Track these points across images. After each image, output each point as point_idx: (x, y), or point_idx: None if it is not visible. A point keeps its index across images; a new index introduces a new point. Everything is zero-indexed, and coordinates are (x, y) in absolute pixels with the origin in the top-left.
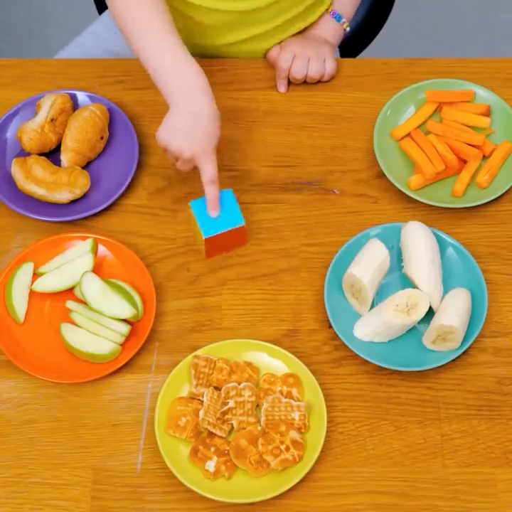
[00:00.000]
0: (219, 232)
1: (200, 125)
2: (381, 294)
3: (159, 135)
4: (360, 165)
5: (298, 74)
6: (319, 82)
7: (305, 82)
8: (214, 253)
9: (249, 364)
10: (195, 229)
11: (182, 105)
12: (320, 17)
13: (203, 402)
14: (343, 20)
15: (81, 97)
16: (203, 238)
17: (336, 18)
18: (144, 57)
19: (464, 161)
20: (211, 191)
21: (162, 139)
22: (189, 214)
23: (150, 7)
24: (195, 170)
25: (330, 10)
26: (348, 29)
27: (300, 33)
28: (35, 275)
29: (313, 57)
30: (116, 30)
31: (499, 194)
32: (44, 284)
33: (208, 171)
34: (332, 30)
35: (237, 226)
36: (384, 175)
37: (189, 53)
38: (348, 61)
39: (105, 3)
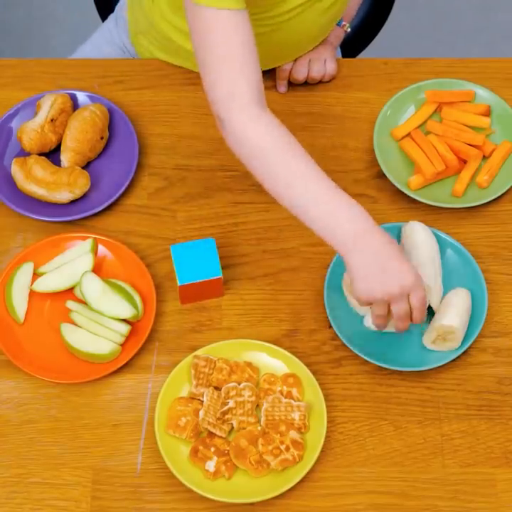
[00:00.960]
0: (194, 281)
1: (390, 258)
2: None
3: (359, 293)
4: (360, 165)
5: (299, 75)
6: (319, 82)
7: (305, 83)
8: (188, 300)
9: (249, 364)
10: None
11: (365, 251)
12: None
13: (203, 402)
14: (344, 22)
15: (81, 97)
16: (178, 285)
17: (337, 23)
18: (306, 210)
19: (464, 161)
20: (419, 318)
21: (363, 294)
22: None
23: (302, 157)
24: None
25: None
26: (348, 30)
27: None
28: (35, 275)
29: (314, 59)
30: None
31: (499, 194)
32: (44, 284)
33: (422, 296)
34: (332, 34)
35: (214, 278)
36: (384, 175)
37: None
38: (348, 61)
39: (107, 8)
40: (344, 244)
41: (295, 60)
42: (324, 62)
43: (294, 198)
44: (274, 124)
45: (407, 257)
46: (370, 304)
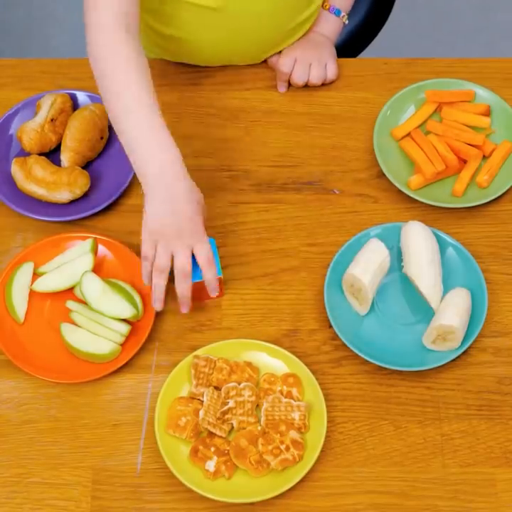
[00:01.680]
0: (195, 281)
1: (182, 210)
2: (381, 293)
3: (143, 241)
4: (360, 165)
5: (299, 81)
6: None
7: (306, 86)
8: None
9: (249, 364)
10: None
11: (157, 193)
12: (318, 14)
13: (203, 402)
14: (343, 13)
15: (81, 97)
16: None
17: (335, 13)
18: (122, 133)
19: (464, 161)
20: (209, 274)
21: (148, 231)
22: None
23: (137, 85)
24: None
25: (328, 6)
26: (346, 22)
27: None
28: (35, 275)
29: (314, 63)
30: None
31: (499, 194)
32: (44, 284)
33: (202, 251)
34: (331, 26)
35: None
36: (384, 175)
37: (170, 137)
38: (348, 61)
39: None
40: (146, 186)
41: (295, 61)
42: (325, 66)
43: (123, 122)
44: (130, 52)
45: (201, 204)
46: (153, 247)
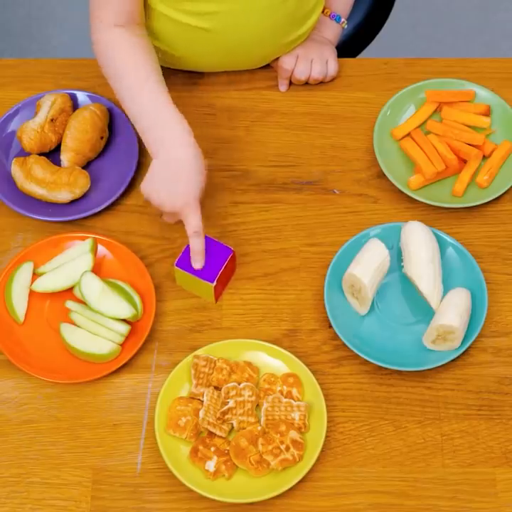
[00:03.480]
0: (221, 270)
1: (181, 177)
2: (381, 293)
3: (142, 188)
4: (360, 165)
5: (301, 76)
6: (320, 82)
7: (306, 83)
8: (219, 294)
9: (249, 364)
10: (191, 286)
11: (161, 157)
12: (318, 20)
13: (203, 402)
14: (343, 20)
15: (81, 97)
16: (212, 285)
17: (336, 19)
18: (129, 109)
19: (464, 161)
20: (196, 243)
21: (144, 192)
22: (179, 276)
23: (144, 66)
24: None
25: (328, 13)
26: (346, 26)
27: None
28: (35, 275)
29: (316, 59)
30: None
31: (499, 194)
32: (44, 284)
33: (192, 223)
34: (332, 31)
35: (230, 256)
36: (384, 175)
37: (177, 110)
38: (348, 61)
39: None
40: (154, 150)
41: (297, 58)
42: (326, 63)
43: (130, 100)
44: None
45: (203, 173)
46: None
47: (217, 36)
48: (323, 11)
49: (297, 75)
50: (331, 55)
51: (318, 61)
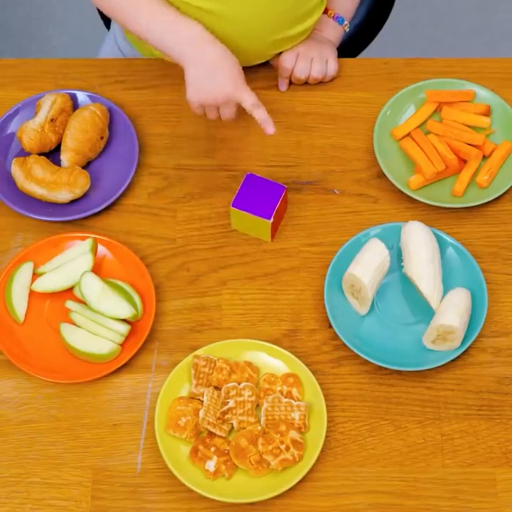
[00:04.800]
0: (276, 206)
1: (221, 68)
2: (381, 293)
3: (190, 98)
4: (360, 165)
5: (301, 74)
6: (320, 82)
7: (306, 82)
8: (274, 232)
9: (249, 364)
10: (246, 226)
11: (193, 57)
12: (321, 20)
13: (203, 402)
14: (345, 22)
15: (81, 97)
16: (269, 222)
17: (338, 21)
18: (145, 28)
19: (464, 161)
20: (260, 113)
21: (194, 99)
22: (235, 218)
23: None
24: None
25: (331, 14)
26: (348, 29)
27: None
28: (35, 275)
29: (316, 58)
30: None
31: (499, 194)
32: (44, 284)
33: (248, 99)
34: (334, 32)
35: (283, 192)
36: (384, 175)
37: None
38: (348, 61)
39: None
40: (182, 56)
41: (297, 56)
42: (326, 62)
43: (139, 21)
44: None
45: (235, 59)
46: (202, 108)
47: (225, 20)
48: (327, 12)
49: (297, 74)
50: (331, 54)
51: (318, 60)
